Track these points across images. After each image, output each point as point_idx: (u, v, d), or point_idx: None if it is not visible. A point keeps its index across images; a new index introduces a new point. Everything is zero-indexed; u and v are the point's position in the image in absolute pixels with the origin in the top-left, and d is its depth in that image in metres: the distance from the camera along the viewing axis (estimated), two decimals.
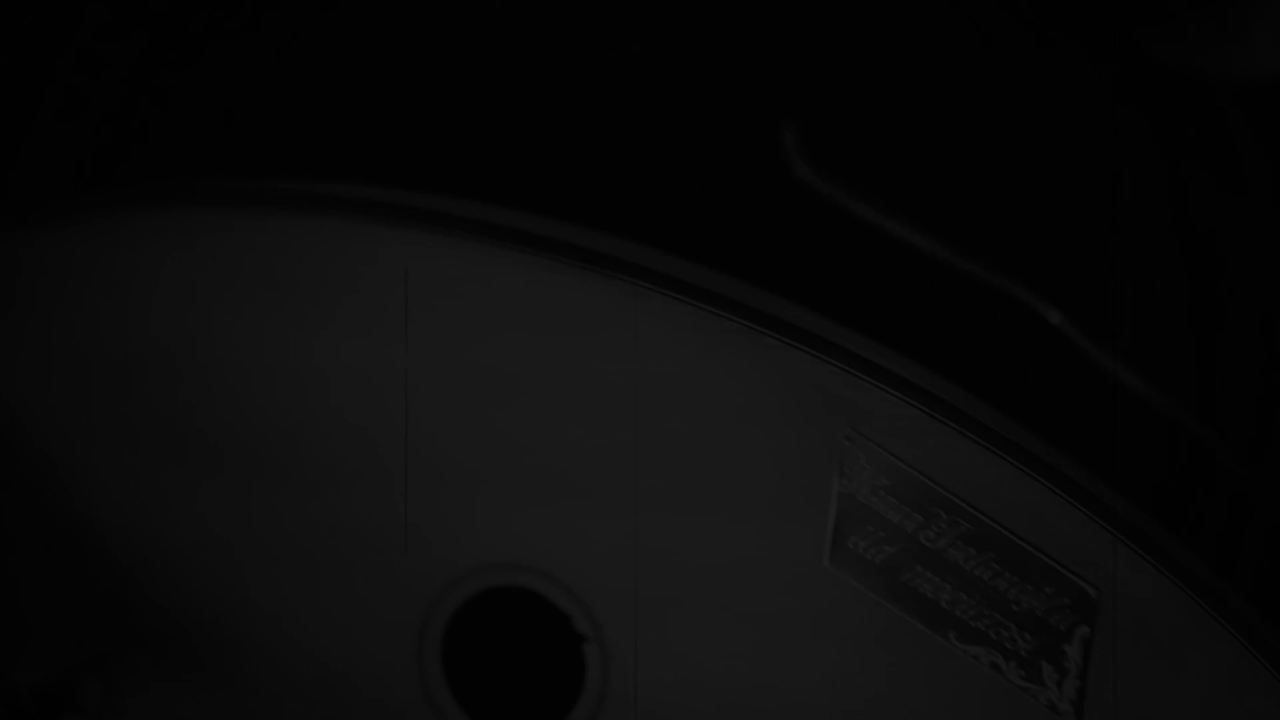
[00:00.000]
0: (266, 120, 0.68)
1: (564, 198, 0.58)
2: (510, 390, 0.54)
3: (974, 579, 0.52)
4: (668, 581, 0.54)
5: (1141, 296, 0.68)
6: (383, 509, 0.56)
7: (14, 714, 0.59)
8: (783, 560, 0.53)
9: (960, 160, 0.68)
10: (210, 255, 0.56)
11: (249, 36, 0.68)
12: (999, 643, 0.53)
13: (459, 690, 0.57)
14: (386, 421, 0.55)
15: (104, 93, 0.69)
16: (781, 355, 0.52)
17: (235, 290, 0.56)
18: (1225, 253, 0.69)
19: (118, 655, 0.59)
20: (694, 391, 0.53)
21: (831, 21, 0.68)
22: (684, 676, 0.55)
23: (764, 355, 0.52)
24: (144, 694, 0.60)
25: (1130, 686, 0.52)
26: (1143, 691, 0.52)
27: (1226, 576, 0.54)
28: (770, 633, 0.54)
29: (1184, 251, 0.69)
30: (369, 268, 0.55)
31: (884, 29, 0.68)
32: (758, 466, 0.53)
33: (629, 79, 0.68)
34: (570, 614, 0.55)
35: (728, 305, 0.53)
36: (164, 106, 0.69)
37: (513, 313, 0.54)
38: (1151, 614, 0.51)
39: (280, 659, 0.58)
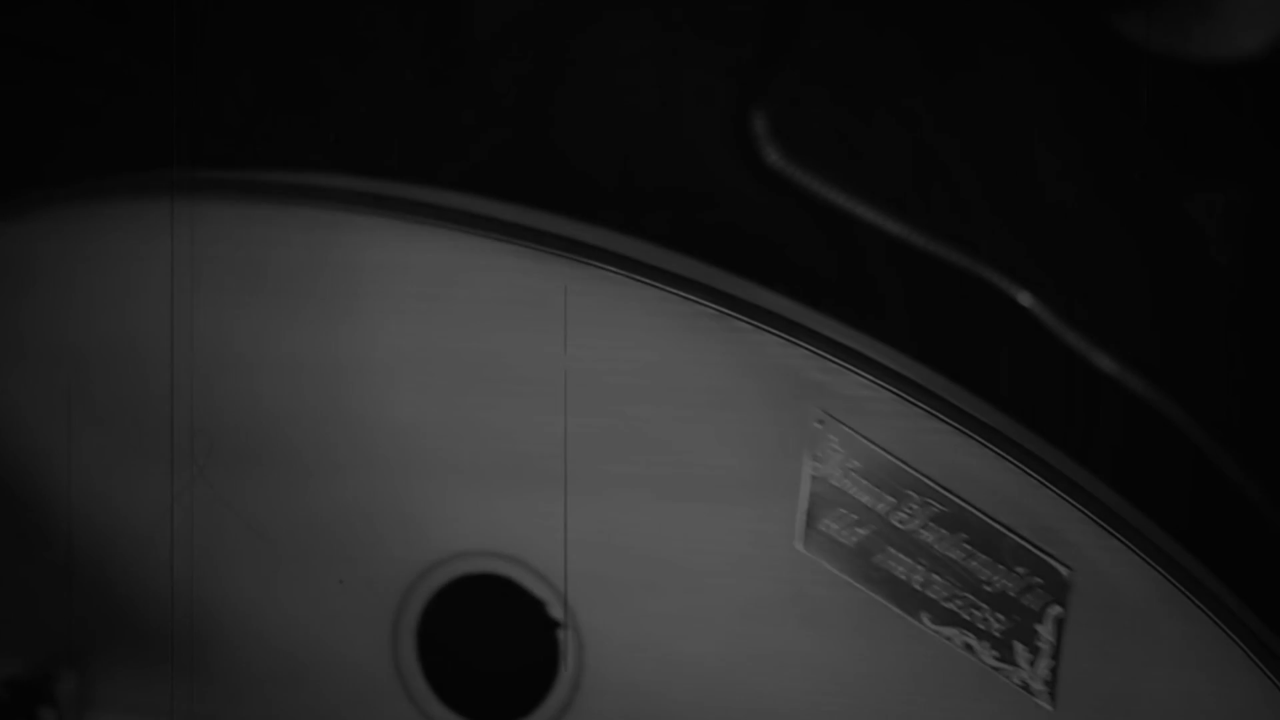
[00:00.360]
0: (236, 112, 0.68)
1: (536, 186, 0.58)
2: (483, 379, 0.54)
3: (946, 560, 0.52)
4: (640, 566, 0.54)
5: (1111, 278, 0.68)
6: (356, 498, 0.56)
7: None
8: (756, 544, 0.53)
9: (931, 147, 0.68)
10: (182, 246, 0.56)
11: (225, 30, 0.68)
12: (972, 623, 0.53)
13: (434, 678, 0.57)
14: (358, 411, 0.55)
15: (81, 85, 0.69)
16: (753, 339, 0.52)
17: (208, 280, 0.56)
18: (1195, 233, 0.69)
19: (91, 648, 0.59)
20: (666, 377, 0.53)
21: (803, 9, 0.68)
22: (658, 661, 0.55)
23: (736, 340, 0.53)
24: (117, 686, 0.59)
25: (1103, 664, 0.52)
26: (1115, 668, 0.52)
27: (1197, 553, 0.54)
28: (743, 616, 0.54)
29: (1154, 232, 0.69)
30: (341, 257, 0.55)
31: (858, 15, 0.68)
32: (730, 450, 0.53)
33: (604, 66, 0.68)
34: (544, 601, 0.55)
35: (699, 290, 0.53)
36: (136, 99, 0.68)
37: (486, 301, 0.54)
38: (1123, 591, 0.52)
39: (254, 650, 0.58)
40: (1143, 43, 0.69)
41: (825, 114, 0.67)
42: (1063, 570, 0.52)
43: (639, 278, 0.53)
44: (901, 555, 0.53)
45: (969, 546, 0.52)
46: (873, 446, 0.52)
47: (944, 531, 0.52)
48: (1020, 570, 0.52)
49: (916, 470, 0.52)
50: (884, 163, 0.67)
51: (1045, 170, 0.68)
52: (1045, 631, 0.52)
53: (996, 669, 0.53)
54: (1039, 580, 0.52)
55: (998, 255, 0.66)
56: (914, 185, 0.67)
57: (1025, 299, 0.66)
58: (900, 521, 0.53)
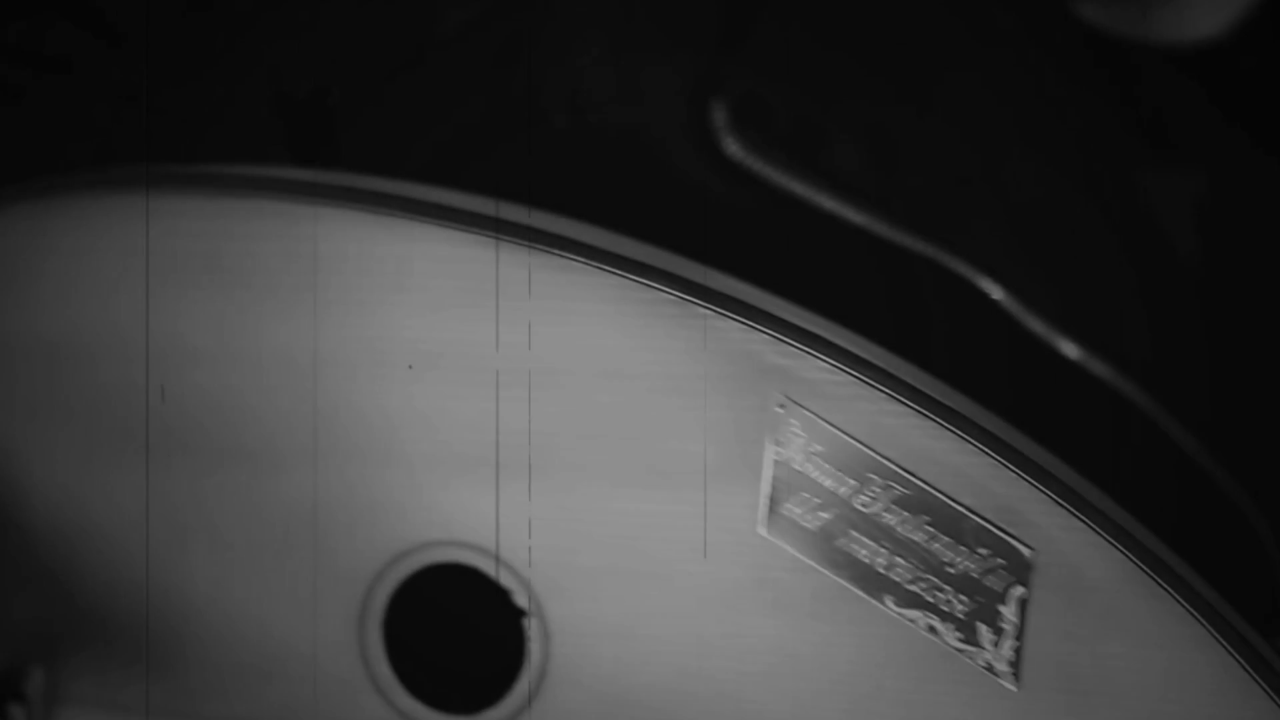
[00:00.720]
0: (196, 107, 0.68)
1: (496, 178, 0.58)
2: (442, 368, 0.54)
3: (909, 543, 0.53)
4: (605, 554, 0.54)
5: (1075, 264, 0.68)
6: (321, 490, 0.56)
7: None
8: (719, 529, 0.53)
9: (892, 135, 0.68)
10: (146, 239, 0.56)
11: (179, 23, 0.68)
12: (935, 606, 0.53)
13: (401, 669, 0.57)
14: (322, 403, 0.55)
15: (35, 82, 0.69)
16: (714, 325, 0.52)
17: (169, 273, 0.56)
18: (1160, 218, 0.69)
19: (60, 643, 0.59)
20: (628, 364, 0.53)
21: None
22: (623, 648, 0.55)
23: (696, 325, 0.53)
24: (86, 681, 0.59)
25: (1066, 644, 0.52)
26: (1079, 648, 0.52)
27: (1161, 534, 0.54)
28: (708, 602, 0.54)
29: (1119, 219, 0.69)
30: (305, 249, 0.55)
31: (816, 4, 0.68)
32: (692, 436, 0.53)
33: (563, 58, 0.68)
34: (510, 590, 0.55)
35: (659, 276, 0.53)
36: (95, 96, 0.68)
37: (447, 291, 0.54)
38: (1086, 571, 0.52)
39: (221, 643, 0.58)
40: (1104, 28, 0.69)
41: (784, 104, 0.67)
42: (1025, 551, 0.52)
43: (600, 265, 0.53)
44: (864, 539, 0.53)
45: (932, 529, 0.52)
46: (835, 430, 0.52)
47: (906, 514, 0.53)
48: (983, 552, 0.52)
49: (878, 453, 0.52)
50: (844, 152, 0.67)
51: (1009, 158, 0.68)
52: (1009, 612, 0.52)
53: (960, 651, 0.53)
54: (1002, 562, 0.52)
55: (961, 243, 0.66)
56: (875, 174, 0.67)
57: (988, 286, 0.66)
58: (863, 505, 0.53)
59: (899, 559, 0.53)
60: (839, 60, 0.68)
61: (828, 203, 0.66)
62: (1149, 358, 0.67)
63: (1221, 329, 0.69)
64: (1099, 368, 0.66)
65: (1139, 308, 0.68)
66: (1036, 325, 0.66)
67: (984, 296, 0.66)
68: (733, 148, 0.67)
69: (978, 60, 0.68)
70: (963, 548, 0.52)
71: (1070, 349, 0.66)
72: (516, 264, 0.53)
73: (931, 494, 0.52)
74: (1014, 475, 0.52)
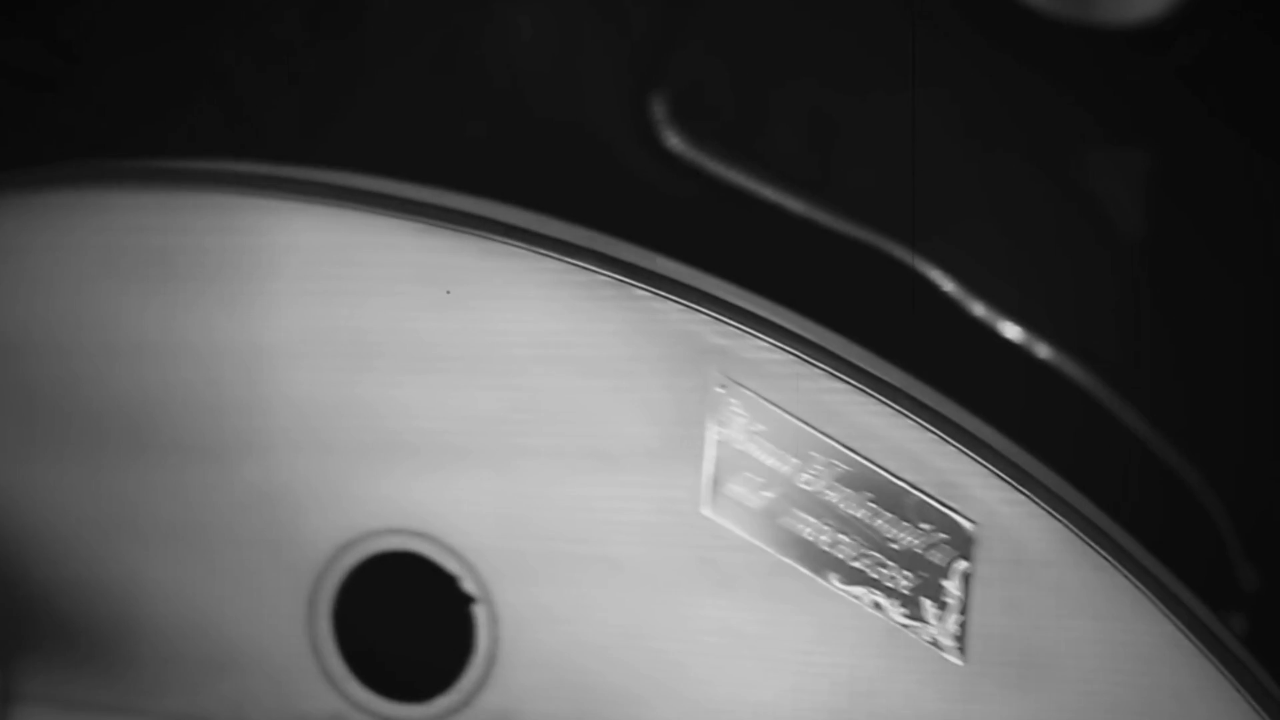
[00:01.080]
0: (138, 102, 0.68)
1: (435, 166, 0.58)
2: (386, 356, 0.54)
3: (852, 520, 0.53)
4: (550, 538, 0.54)
5: (1018, 248, 0.68)
6: (266, 481, 0.56)
7: None
8: (663, 511, 0.54)
9: (835, 124, 0.69)
10: (87, 234, 0.56)
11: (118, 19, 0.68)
12: (880, 582, 0.53)
13: (352, 659, 0.57)
14: (266, 393, 0.55)
15: None
16: (652, 306, 0.53)
17: (112, 268, 0.56)
18: (1105, 200, 0.70)
19: (11, 643, 0.59)
20: (568, 347, 0.53)
21: None
22: (571, 632, 0.55)
23: (635, 307, 0.53)
24: (39, 680, 0.59)
25: (1011, 617, 0.52)
26: (1023, 621, 0.52)
27: (1104, 506, 0.54)
28: (654, 583, 0.54)
29: (1064, 200, 0.69)
30: (244, 241, 0.55)
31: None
32: (634, 417, 0.53)
33: (501, 47, 0.68)
34: (457, 576, 0.55)
35: (597, 259, 0.53)
36: (36, 92, 0.68)
37: (387, 279, 0.54)
38: (1028, 544, 0.52)
39: (172, 639, 0.58)
40: (1046, 10, 0.69)
41: (724, 96, 0.68)
42: (968, 525, 0.52)
43: (538, 249, 0.53)
44: (808, 516, 0.53)
45: (874, 505, 0.53)
46: (775, 408, 0.53)
47: (849, 491, 0.53)
48: (926, 527, 0.52)
49: (820, 431, 0.53)
50: (785, 143, 0.68)
51: (953, 143, 0.68)
52: (952, 587, 0.53)
53: (906, 626, 0.53)
54: (944, 536, 0.52)
55: (903, 230, 0.67)
56: (816, 164, 0.67)
57: (932, 272, 0.67)
58: (806, 483, 0.53)
59: (842, 536, 0.53)
60: (780, 49, 0.68)
61: (769, 192, 0.67)
62: (1095, 339, 0.67)
63: (1166, 307, 0.69)
64: (1043, 349, 0.67)
65: (1084, 289, 0.68)
66: (980, 309, 0.67)
67: (927, 282, 0.67)
68: (673, 140, 0.67)
69: (920, 46, 0.69)
70: (905, 523, 0.53)
71: (1012, 331, 0.67)
72: (455, 250, 0.53)
73: (873, 470, 0.52)
74: (955, 450, 0.52)
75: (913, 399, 0.52)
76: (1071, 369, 0.67)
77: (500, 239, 0.53)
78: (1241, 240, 0.70)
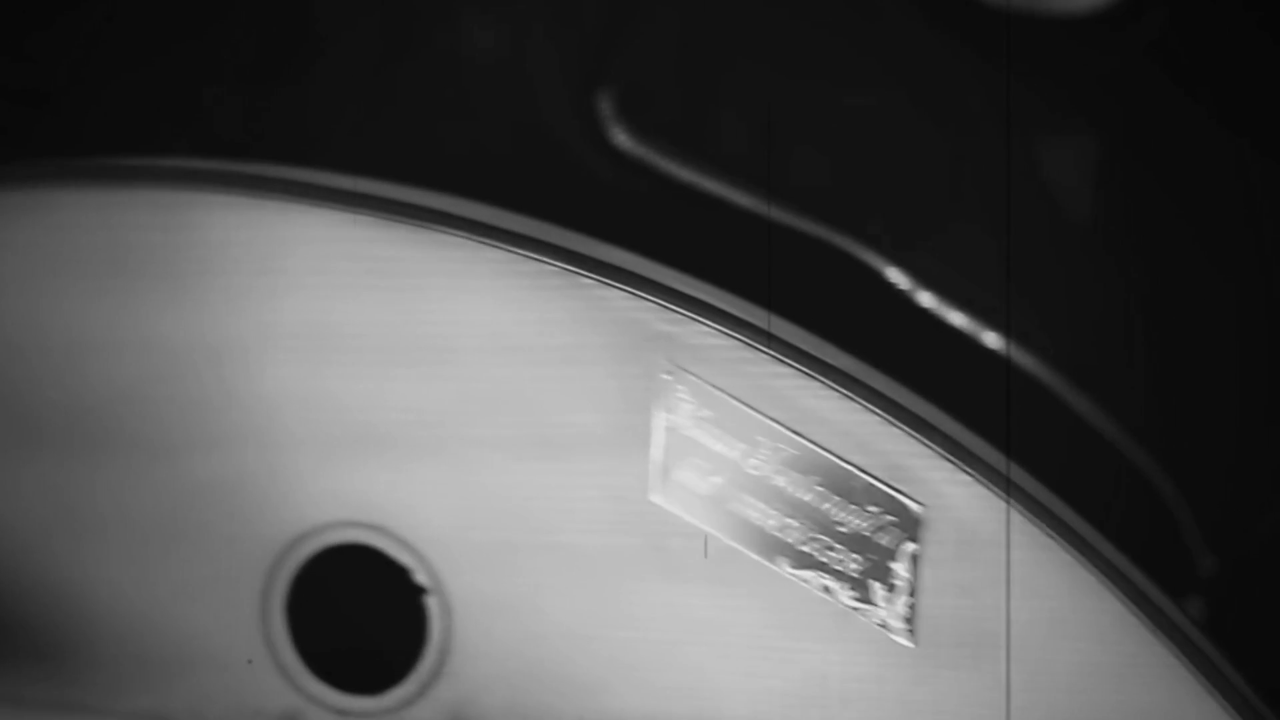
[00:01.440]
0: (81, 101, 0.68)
1: (383, 159, 0.58)
2: (335, 348, 0.54)
3: (800, 504, 0.53)
4: (501, 528, 0.55)
5: (965, 236, 0.69)
6: (216, 476, 0.56)
7: None
8: (613, 499, 0.54)
9: (784, 118, 0.69)
10: (37, 233, 0.56)
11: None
12: (829, 565, 0.53)
13: (306, 652, 0.57)
14: (216, 389, 0.56)
15: None
16: (598, 294, 0.53)
17: (63, 266, 0.56)
18: (1054, 186, 0.70)
19: None
20: (515, 336, 0.53)
21: None
22: (523, 621, 0.55)
23: (582, 296, 0.53)
24: None
25: (960, 598, 0.53)
26: (972, 601, 0.53)
27: (1051, 486, 0.55)
28: (605, 571, 0.54)
29: (1013, 187, 0.70)
30: (193, 237, 0.55)
31: None
32: (582, 406, 0.53)
33: (450, 44, 0.68)
34: (409, 567, 0.56)
35: (543, 249, 0.53)
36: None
37: (334, 272, 0.54)
38: (975, 525, 0.52)
39: (126, 637, 0.58)
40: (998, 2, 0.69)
41: (669, 93, 0.68)
42: (915, 507, 0.52)
43: (485, 240, 0.53)
44: (756, 501, 0.53)
45: (822, 489, 0.53)
46: (722, 394, 0.53)
47: (796, 475, 0.53)
48: (873, 509, 0.53)
49: (766, 415, 0.53)
50: (731, 138, 0.68)
51: (895, 130, 0.69)
52: (901, 569, 0.53)
53: (856, 609, 0.53)
54: (892, 518, 0.53)
55: (851, 221, 0.67)
56: (763, 158, 0.68)
57: (879, 263, 0.67)
58: (753, 468, 0.53)
59: (791, 520, 0.53)
60: (724, 44, 0.69)
61: (715, 187, 0.67)
62: (1037, 320, 0.68)
63: (1115, 292, 0.69)
64: (990, 337, 0.67)
65: (1031, 275, 0.68)
66: (927, 298, 0.67)
67: (874, 273, 0.67)
68: (620, 138, 0.67)
69: (866, 39, 0.69)
70: (853, 506, 0.53)
71: (959, 319, 0.67)
72: (404, 242, 0.54)
73: (820, 454, 0.53)
74: (901, 432, 0.52)
75: (858, 381, 0.52)
76: (1025, 360, 0.68)
77: (447, 230, 0.53)
78: (1200, 230, 0.70)
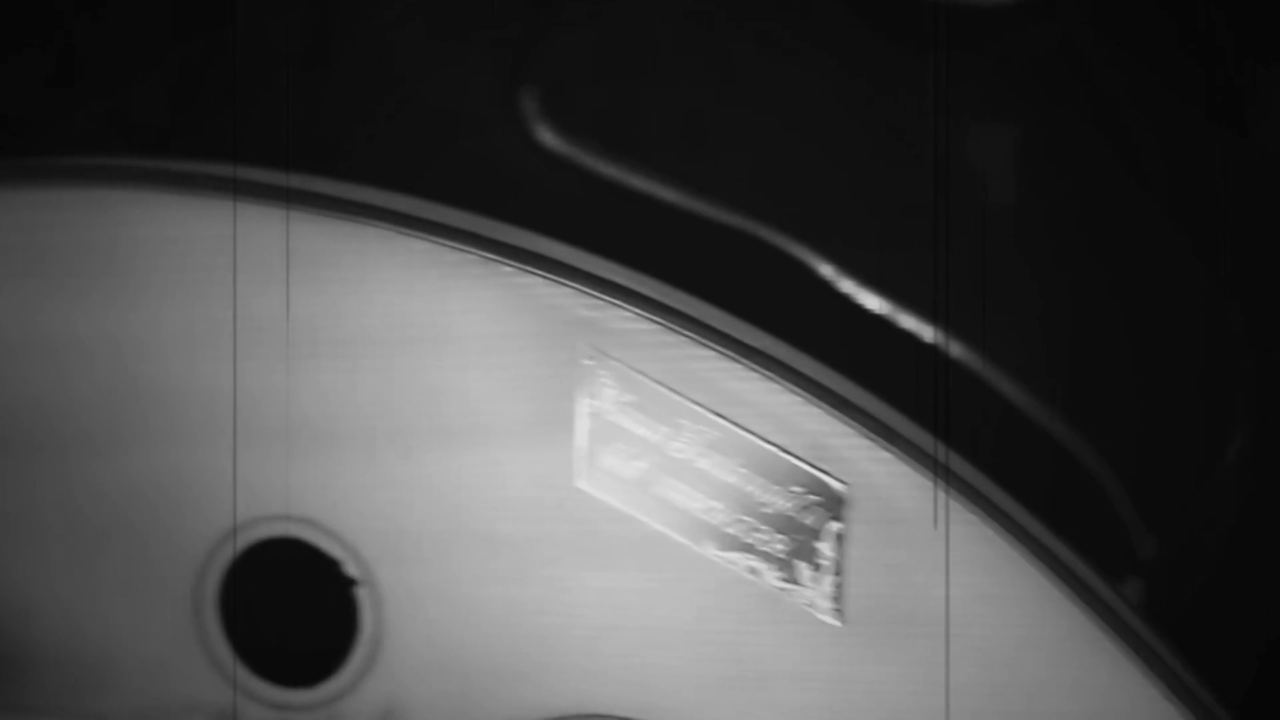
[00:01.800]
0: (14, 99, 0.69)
1: (308, 156, 0.58)
2: (259, 342, 0.55)
3: (724, 486, 0.53)
4: (430, 518, 0.55)
5: (888, 226, 0.69)
6: (143, 474, 0.56)
7: None
8: (539, 486, 0.54)
9: (703, 112, 0.69)
10: None
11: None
12: (755, 546, 0.53)
13: (240, 646, 0.57)
14: (145, 386, 0.56)
15: None
16: (520, 282, 0.53)
17: None
18: (983, 176, 0.70)
19: None
20: (436, 326, 0.54)
21: None
22: (454, 609, 0.55)
23: (504, 284, 0.53)
24: None
25: (886, 576, 0.53)
26: (899, 579, 0.53)
27: (974, 462, 0.55)
28: (534, 558, 0.54)
29: (937, 178, 0.70)
30: (121, 234, 0.55)
31: None
32: (507, 394, 0.54)
33: (375, 39, 0.69)
34: (340, 560, 0.56)
35: (465, 238, 0.53)
36: None
37: (261, 267, 0.54)
38: (899, 503, 0.53)
39: (61, 638, 0.58)
40: None
41: (592, 89, 0.68)
42: (838, 486, 0.53)
43: (407, 230, 0.53)
44: (681, 484, 0.54)
45: (746, 470, 0.53)
46: (644, 378, 0.53)
47: (720, 457, 0.53)
48: (797, 489, 0.53)
49: (689, 398, 0.53)
50: (656, 132, 0.68)
51: (819, 123, 0.69)
52: (826, 548, 0.53)
53: (783, 590, 0.54)
54: (816, 498, 0.53)
55: (774, 214, 0.67)
56: (688, 152, 0.68)
57: (803, 253, 0.67)
58: (677, 451, 0.53)
59: (715, 502, 0.53)
60: (644, 41, 0.69)
61: (640, 183, 0.67)
62: (955, 305, 0.68)
63: (1048, 278, 0.70)
64: (909, 321, 0.67)
65: (958, 264, 0.69)
66: (849, 285, 0.68)
67: (799, 265, 0.67)
68: (545, 135, 0.68)
69: (788, 33, 0.69)
70: (777, 487, 0.53)
71: (879, 304, 0.67)
72: (329, 234, 0.54)
73: (743, 435, 0.53)
74: (822, 411, 0.53)
75: (779, 362, 0.53)
76: (957, 350, 0.68)
77: (369, 222, 0.54)
78: (1125, 212, 0.71)
